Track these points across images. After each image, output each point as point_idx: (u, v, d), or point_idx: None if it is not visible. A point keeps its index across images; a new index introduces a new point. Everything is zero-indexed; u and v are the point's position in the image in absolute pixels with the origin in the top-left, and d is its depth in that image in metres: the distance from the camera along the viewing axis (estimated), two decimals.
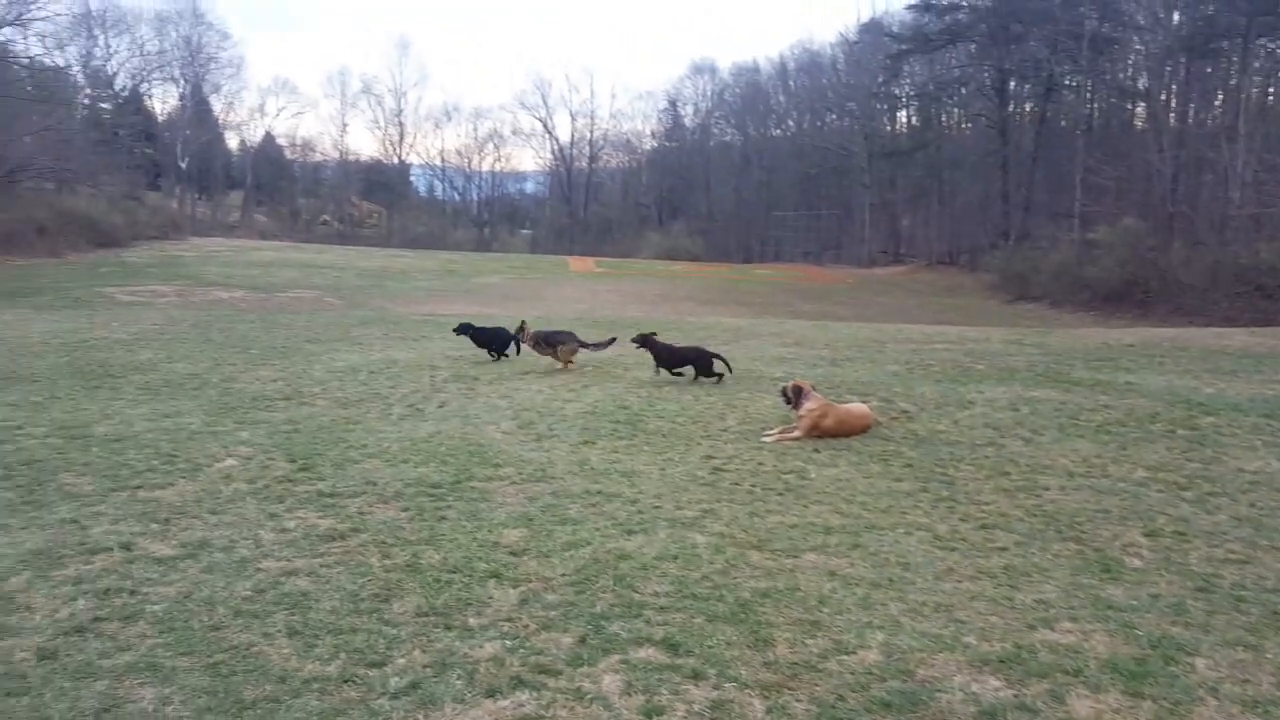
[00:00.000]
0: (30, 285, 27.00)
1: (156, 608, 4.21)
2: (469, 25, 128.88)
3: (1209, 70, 50.91)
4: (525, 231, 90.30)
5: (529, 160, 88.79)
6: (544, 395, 10.07)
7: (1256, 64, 48.85)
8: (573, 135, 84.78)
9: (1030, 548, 5.41)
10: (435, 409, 9.23)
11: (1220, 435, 8.36)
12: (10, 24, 42.73)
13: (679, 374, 11.29)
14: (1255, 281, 35.91)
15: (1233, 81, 49.46)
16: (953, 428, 8.63)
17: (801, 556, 5.17)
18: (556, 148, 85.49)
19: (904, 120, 74.34)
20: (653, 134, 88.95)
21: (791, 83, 78.73)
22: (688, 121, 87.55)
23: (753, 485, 6.65)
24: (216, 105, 74.38)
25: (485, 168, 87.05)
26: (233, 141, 79.44)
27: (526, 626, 4.15)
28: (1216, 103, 51.99)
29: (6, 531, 5.18)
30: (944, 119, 70.69)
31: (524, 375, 11.43)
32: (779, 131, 79.88)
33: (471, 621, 4.19)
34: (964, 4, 60.37)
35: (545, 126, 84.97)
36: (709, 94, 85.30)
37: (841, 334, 17.59)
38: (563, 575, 4.77)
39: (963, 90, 65.40)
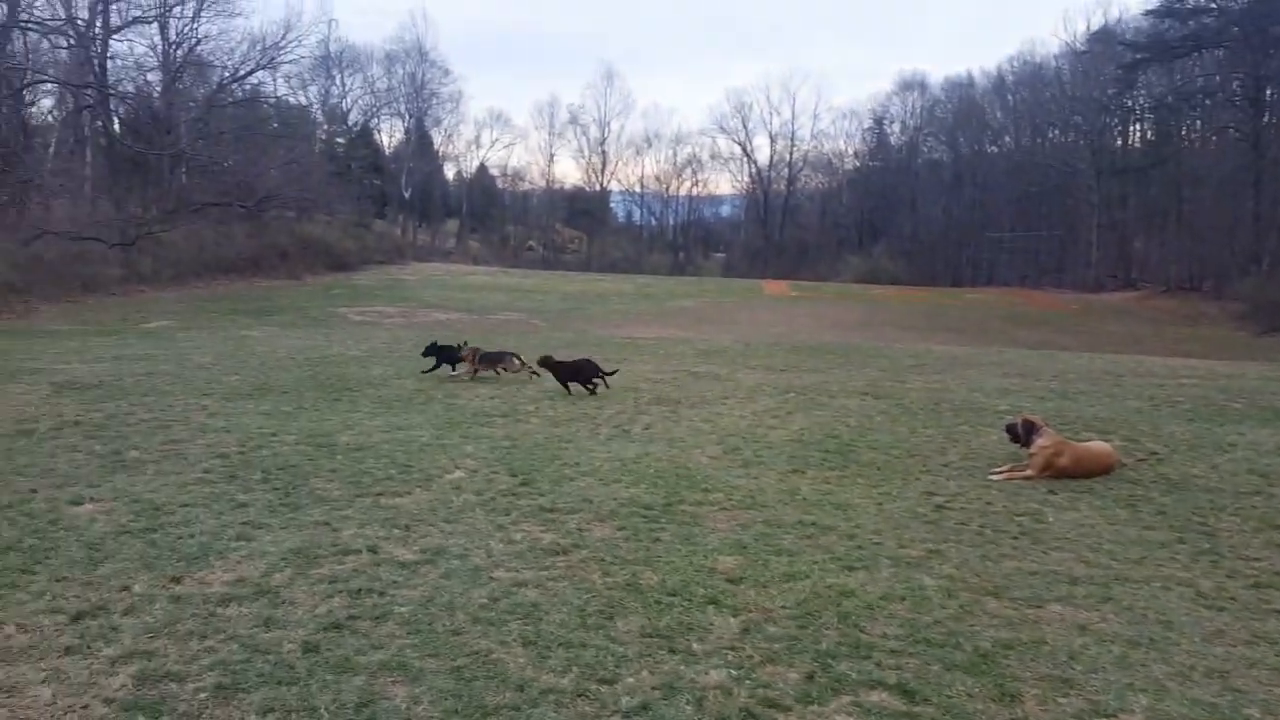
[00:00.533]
0: (274, 305, 30.19)
1: (403, 609, 4.49)
2: (673, 53, 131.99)
3: None
4: (719, 255, 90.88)
5: (725, 184, 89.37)
6: (747, 421, 10.01)
7: None
8: (771, 157, 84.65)
9: None
10: (641, 431, 9.39)
11: None
12: (263, 68, 48.36)
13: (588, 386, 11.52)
14: None
15: None
16: (1210, 473, 7.76)
17: (1045, 607, 4.78)
18: (754, 170, 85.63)
19: (1137, 134, 68.32)
20: (855, 153, 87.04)
21: (1010, 96, 74.53)
22: (893, 139, 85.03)
23: (982, 526, 6.25)
24: (437, 138, 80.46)
25: (682, 192, 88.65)
26: (450, 172, 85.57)
27: (751, 657, 4.08)
28: None
29: (269, 530, 5.71)
30: (1184, 132, 64.21)
31: (725, 400, 11.42)
32: (995, 148, 75.80)
33: (695, 647, 4.17)
34: (1213, 6, 54.68)
35: (744, 150, 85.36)
36: (918, 110, 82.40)
37: (1071, 365, 16.35)
38: (783, 607, 4.66)
39: (1208, 101, 59.19)
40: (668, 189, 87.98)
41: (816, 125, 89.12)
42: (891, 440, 9.00)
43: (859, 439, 9.05)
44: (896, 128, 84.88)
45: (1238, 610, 4.80)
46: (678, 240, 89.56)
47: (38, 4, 36.07)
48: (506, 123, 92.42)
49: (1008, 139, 75.36)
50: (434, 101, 76.09)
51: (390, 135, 78.21)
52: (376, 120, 75.57)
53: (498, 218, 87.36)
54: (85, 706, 3.52)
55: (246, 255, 39.71)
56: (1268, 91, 53.96)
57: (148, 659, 3.90)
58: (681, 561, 5.30)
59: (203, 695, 3.62)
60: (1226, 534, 6.15)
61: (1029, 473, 7.53)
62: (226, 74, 46.33)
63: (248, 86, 49.97)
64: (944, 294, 54.95)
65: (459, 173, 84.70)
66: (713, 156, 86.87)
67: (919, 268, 71.17)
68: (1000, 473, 7.68)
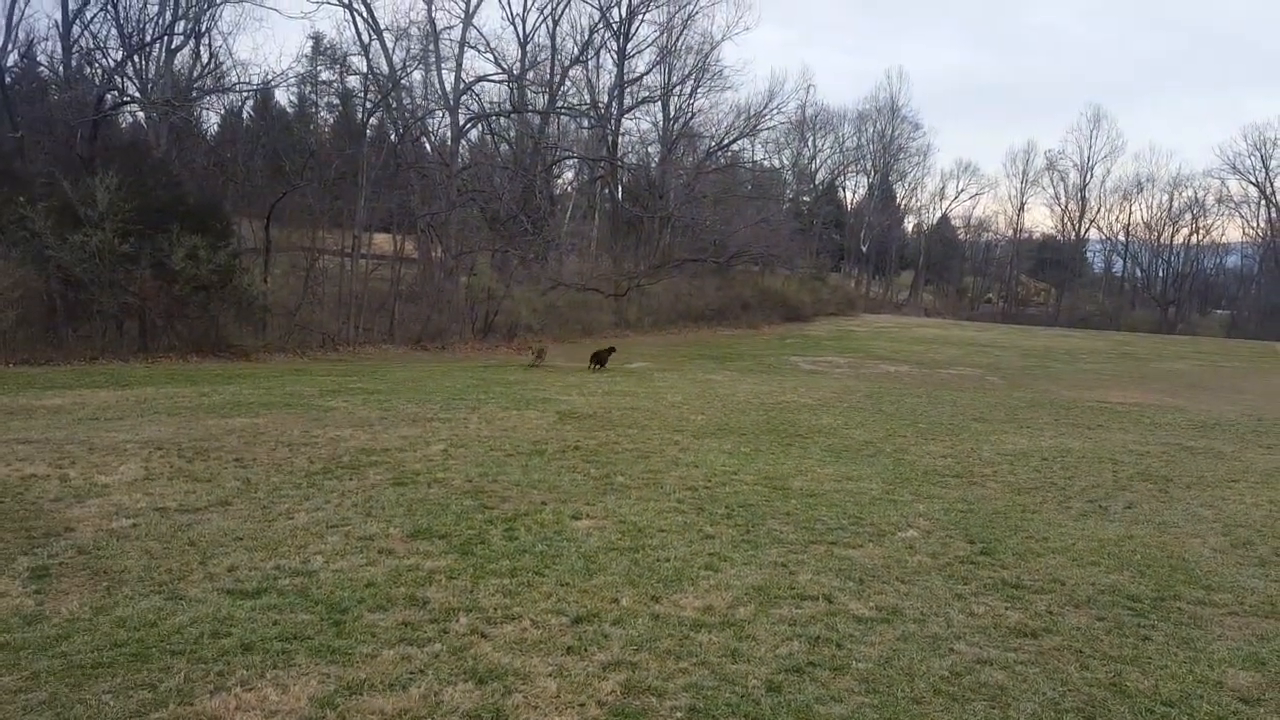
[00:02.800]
0: (734, 352, 32.44)
1: (861, 666, 4.55)
2: (1174, 89, 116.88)
3: None
4: (1222, 312, 77.33)
5: (1235, 231, 75.92)
6: (1263, 511, 8.44)
7: None
8: None
9: None
10: (1122, 509, 8.38)
11: None
12: (745, 136, 52.72)
13: None
14: None
15: None
16: None
17: None
18: (1274, 215, 71.68)
19: None
20: None
21: None
22: None
23: None
24: (900, 191, 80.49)
25: (1178, 240, 77.38)
26: (909, 224, 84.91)
27: None
28: None
29: (732, 564, 6.17)
30: None
31: (1232, 483, 9.72)
32: None
33: None
34: None
35: (1262, 192, 71.97)
36: None
37: None
38: None
39: None
40: (1159, 237, 77.46)
41: None
42: None
43: None
44: None
45: None
46: (1168, 294, 78.10)
47: (570, 92, 43.82)
48: (975, 173, 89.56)
49: None
50: (901, 156, 76.54)
51: (854, 191, 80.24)
52: (842, 178, 78.08)
53: (956, 269, 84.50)
54: (582, 705, 4.08)
55: (714, 305, 43.54)
56: None
57: (632, 669, 4.42)
58: (1178, 668, 4.65)
59: (678, 715, 4.00)
60: None
61: None
62: (713, 143, 51.58)
63: (729, 153, 55.00)
64: None
65: (919, 224, 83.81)
66: (1219, 200, 74.59)
67: None
68: None
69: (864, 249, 74.86)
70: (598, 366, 22.11)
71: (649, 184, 48.35)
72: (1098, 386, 26.80)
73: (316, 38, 38.77)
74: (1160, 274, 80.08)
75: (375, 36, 33.93)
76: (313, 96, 42.60)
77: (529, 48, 41.63)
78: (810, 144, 72.01)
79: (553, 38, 41.93)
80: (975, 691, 4.30)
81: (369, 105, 35.05)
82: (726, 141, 51.96)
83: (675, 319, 40.82)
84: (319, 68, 39.03)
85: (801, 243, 59.64)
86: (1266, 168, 71.10)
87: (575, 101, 44.49)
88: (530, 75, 41.33)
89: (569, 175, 49.91)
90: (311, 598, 5.23)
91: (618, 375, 20.66)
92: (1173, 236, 77.20)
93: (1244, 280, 79.28)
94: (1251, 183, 72.21)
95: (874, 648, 4.78)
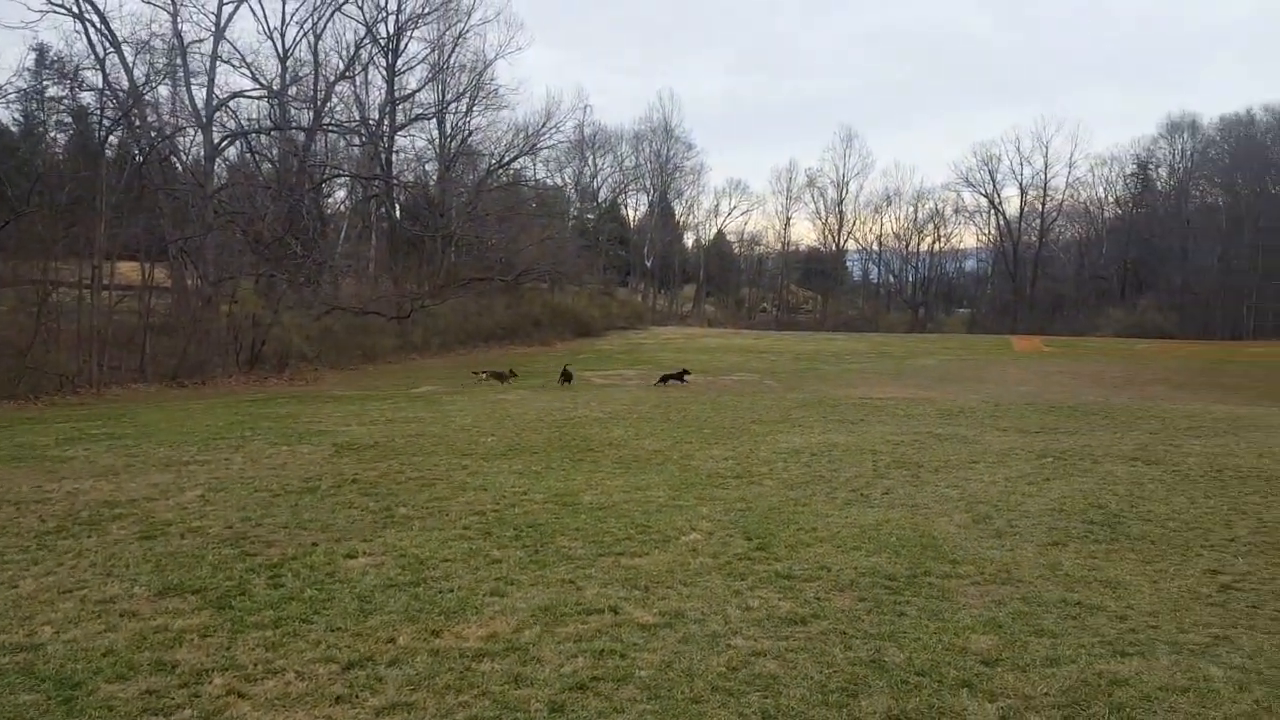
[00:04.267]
0: (526, 369, 32.26)
1: (643, 673, 4.58)
2: (914, 111, 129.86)
3: None
4: (963, 311, 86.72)
5: (970, 238, 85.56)
6: (999, 488, 9.39)
7: None
8: (1021, 209, 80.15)
9: None
10: (880, 495, 9.07)
11: None
12: (525, 154, 52.84)
13: None
14: None
15: None
16: None
17: None
18: (1002, 223, 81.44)
19: None
20: (1116, 201, 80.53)
21: None
22: (1160, 185, 77.86)
23: (1279, 610, 5.44)
24: (678, 209, 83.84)
25: (923, 248, 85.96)
26: (689, 240, 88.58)
27: None
28: None
29: (519, 587, 6.05)
30: None
31: (973, 464, 10.79)
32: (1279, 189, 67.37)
33: None
34: None
35: (991, 203, 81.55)
36: (1188, 153, 75.17)
37: None
38: (1046, 694, 4.29)
39: None
40: (907, 246, 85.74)
41: (1073, 174, 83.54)
42: (1167, 511, 8.09)
43: (1129, 510, 8.21)
44: (1163, 172, 77.76)
45: None
46: (917, 296, 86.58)
47: (337, 108, 41.94)
48: (745, 190, 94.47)
49: None
50: (677, 175, 79.70)
51: (635, 209, 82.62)
52: (624, 195, 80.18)
53: (733, 281, 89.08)
54: None
55: (504, 324, 43.14)
56: None
57: (408, 711, 4.21)
58: (929, 639, 5.04)
59: None
60: None
61: None
62: (493, 161, 51.18)
63: (511, 171, 54.81)
64: (1221, 349, 48.63)
65: (697, 240, 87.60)
66: (956, 211, 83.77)
67: (1191, 320, 63.88)
68: None
69: (649, 264, 77.21)
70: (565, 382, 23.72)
71: (429, 202, 47.30)
72: (860, 384, 29.07)
73: (41, 49, 34.85)
74: (910, 279, 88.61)
75: (113, 49, 30.94)
76: (39, 114, 38.24)
77: (290, 63, 39.61)
78: (591, 163, 73.47)
79: (315, 53, 40.12)
80: (750, 683, 4.45)
81: (107, 123, 31.86)
82: (506, 159, 51.90)
83: (465, 339, 40.04)
84: (45, 82, 35.09)
85: (589, 259, 60.54)
86: (994, 181, 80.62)
87: (344, 118, 42.75)
88: (293, 91, 39.29)
89: (341, 194, 47.89)
90: (37, 674, 4.59)
91: (402, 401, 19.93)
92: (919, 245, 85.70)
93: (980, 281, 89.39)
94: (982, 194, 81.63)
95: (656, 654, 4.84)
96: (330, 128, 40.04)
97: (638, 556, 6.78)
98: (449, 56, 46.60)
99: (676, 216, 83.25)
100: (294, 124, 38.68)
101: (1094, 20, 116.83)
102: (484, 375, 26.17)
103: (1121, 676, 4.49)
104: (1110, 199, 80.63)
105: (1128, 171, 78.70)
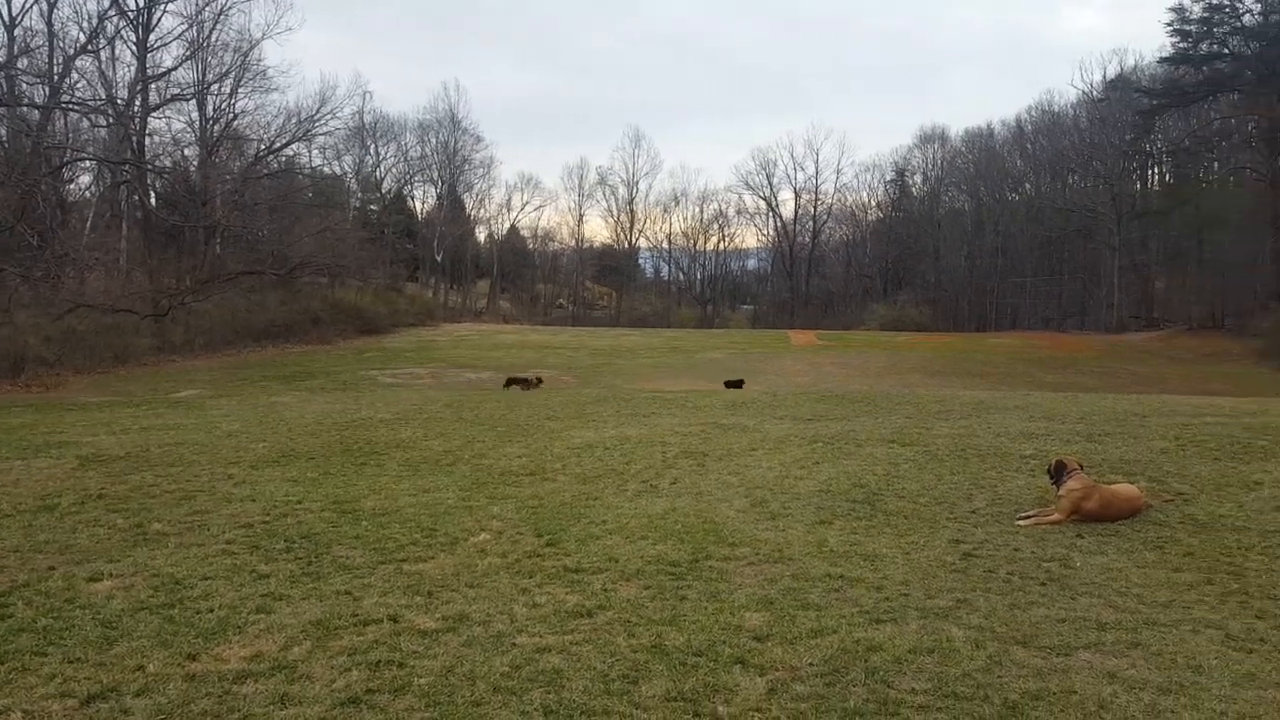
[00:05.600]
0: (305, 370, 30.62)
1: (422, 681, 4.42)
2: (699, 115, 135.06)
3: None
4: (746, 307, 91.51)
5: (752, 238, 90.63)
6: (775, 472, 9.92)
7: None
8: (796, 211, 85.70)
9: None
10: (668, 485, 9.33)
11: None
12: (298, 140, 49.83)
13: None
14: None
15: None
16: (1238, 512, 7.57)
17: (1074, 655, 4.66)
18: (779, 224, 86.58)
19: (1155, 178, 68.75)
20: (878, 205, 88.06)
21: (1029, 145, 75.58)
22: (915, 190, 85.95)
23: (1010, 573, 6.12)
24: (469, 202, 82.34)
25: (710, 247, 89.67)
26: (481, 235, 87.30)
27: (777, 718, 4.00)
28: None
29: (289, 602, 5.68)
30: (1203, 174, 64.58)
31: (753, 451, 11.34)
32: (1015, 195, 76.54)
33: (720, 710, 4.09)
34: (1226, 52, 55.38)
35: (769, 205, 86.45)
36: (939, 161, 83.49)
37: (1096, 406, 16.07)
38: (810, 665, 4.57)
39: (1224, 143, 59.55)
40: (695, 244, 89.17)
41: (840, 179, 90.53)
42: (918, 488, 8.87)
43: (886, 488, 8.93)
44: (918, 179, 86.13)
45: (1268, 652, 4.66)
46: (705, 294, 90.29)
47: (79, 85, 37.63)
48: (537, 186, 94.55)
49: (1028, 186, 76.04)
50: (466, 167, 78.18)
51: (423, 201, 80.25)
52: (410, 187, 77.60)
53: (528, 277, 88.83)
54: None
55: (279, 322, 40.51)
56: None
57: None
58: (707, 620, 5.23)
59: None
60: (1255, 573, 5.98)
61: (1056, 517, 7.38)
62: (262, 147, 47.77)
63: (283, 158, 51.46)
64: (969, 339, 54.54)
65: (490, 235, 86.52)
66: (738, 212, 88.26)
67: (944, 314, 71.23)
68: (1027, 518, 7.53)
69: (439, 258, 75.29)
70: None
71: (189, 189, 43.48)
72: (654, 378, 29.94)
73: None
74: (699, 276, 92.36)
75: None
76: None
77: (19, 33, 35.20)
78: (373, 151, 70.74)
79: (49, 23, 35.86)
80: (533, 680, 4.42)
81: None
82: (278, 145, 48.70)
83: (233, 339, 37.24)
84: None
85: (373, 252, 58.13)
86: (771, 184, 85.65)
87: (87, 96, 38.47)
88: (23, 64, 34.86)
89: (86, 180, 43.07)
90: None
91: (160, 407, 18.22)
92: (705, 243, 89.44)
93: (761, 279, 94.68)
94: (761, 197, 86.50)
95: (438, 659, 4.70)
96: (70, 106, 35.85)
97: (422, 561, 6.57)
98: (209, 34, 43.16)
99: (467, 210, 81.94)
100: (26, 100, 34.35)
101: (853, 36, 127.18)
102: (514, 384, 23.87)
103: (877, 642, 4.86)
104: (873, 203, 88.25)
105: (888, 178, 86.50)
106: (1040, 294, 71.65)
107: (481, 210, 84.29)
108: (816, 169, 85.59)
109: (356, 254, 50.85)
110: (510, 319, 73.48)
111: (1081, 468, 7.87)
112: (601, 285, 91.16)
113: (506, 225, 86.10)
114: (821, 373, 33.27)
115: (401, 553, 6.80)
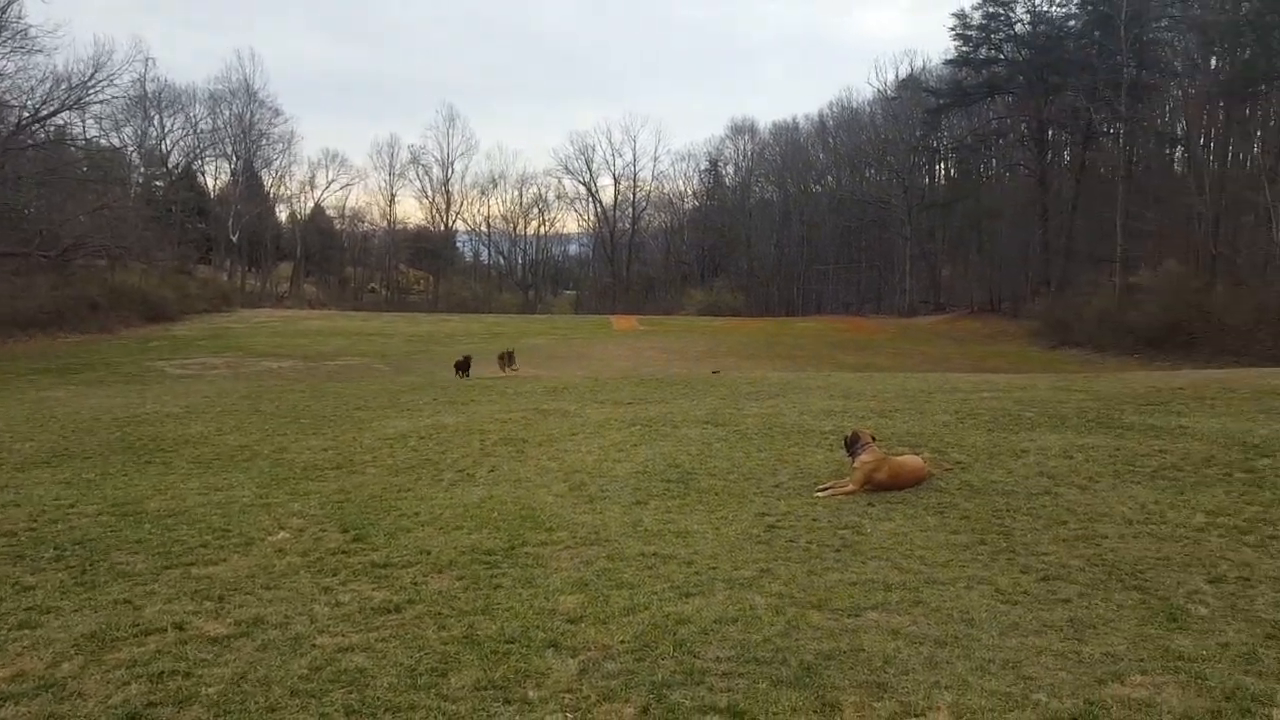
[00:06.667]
0: (81, 361, 27.85)
1: (211, 690, 4.15)
2: (516, 97, 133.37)
3: (1247, 113, 50.59)
4: (569, 292, 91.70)
5: (573, 223, 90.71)
6: (594, 456, 10.01)
7: None
8: (615, 197, 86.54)
9: (1093, 598, 5.20)
10: (486, 474, 9.21)
11: (1278, 477, 8.00)
12: (69, 108, 44.87)
13: None
14: None
15: (1271, 123, 49.20)
16: (1007, 477, 8.39)
17: (863, 615, 5.00)
18: (600, 210, 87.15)
19: (943, 172, 74.88)
20: (694, 193, 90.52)
21: (831, 139, 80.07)
22: (728, 180, 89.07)
23: (809, 542, 6.48)
24: (267, 180, 77.26)
25: (530, 232, 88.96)
26: (283, 214, 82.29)
27: (587, 697, 4.04)
28: (1255, 145, 51.63)
29: (59, 615, 5.17)
30: (983, 170, 71.17)
31: (572, 436, 11.39)
32: (819, 187, 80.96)
33: (531, 694, 4.08)
34: (1001, 58, 61.10)
35: (589, 190, 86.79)
36: (749, 153, 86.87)
37: (889, 384, 17.33)
38: (622, 642, 4.65)
39: (1001, 141, 65.86)
40: (515, 228, 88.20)
41: (657, 167, 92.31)
42: (729, 466, 9.22)
43: (699, 467, 9.22)
44: (731, 169, 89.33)
45: (1030, 603, 5.19)
46: (527, 279, 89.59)
47: None
48: (344, 163, 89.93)
49: (830, 179, 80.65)
50: (264, 142, 73.31)
51: (216, 177, 74.74)
52: (200, 162, 71.96)
53: (336, 260, 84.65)
54: None
55: (50, 309, 36.57)
56: (1050, 133, 60.62)
57: None
58: (522, 606, 5.20)
59: None
60: (1021, 533, 6.64)
61: (851, 487, 7.90)
62: (26, 114, 42.62)
63: (51, 128, 46.15)
64: (779, 324, 57.45)
65: (293, 214, 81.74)
66: (558, 196, 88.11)
67: (756, 300, 74.59)
68: (826, 489, 8.02)
69: (235, 239, 70.35)
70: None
71: None
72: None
73: None
74: (520, 261, 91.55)
75: None
76: None
77: None
78: (157, 123, 65.09)
79: None
80: (334, 681, 4.24)
81: None
82: (44, 113, 43.68)
83: None
84: None
85: (159, 232, 53.50)
86: (590, 170, 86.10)
87: None
88: None
89: None
90: None
91: None
92: (526, 228, 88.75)
93: (583, 264, 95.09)
94: (580, 182, 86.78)
95: (228, 667, 4.41)
96: None
97: (213, 564, 6.13)
98: None
99: (266, 187, 76.99)
100: None
101: (665, 27, 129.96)
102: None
103: (685, 615, 5.01)
104: (689, 191, 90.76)
105: (702, 167, 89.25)
106: (842, 280, 76.59)
107: (282, 188, 79.49)
108: (634, 156, 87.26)
109: (140, 234, 46.39)
110: (317, 304, 69.86)
111: (874, 440, 8.45)
112: (417, 269, 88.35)
113: (311, 204, 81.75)
114: (642, 357, 33.92)
115: (189, 556, 6.33)
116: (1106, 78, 53.21)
